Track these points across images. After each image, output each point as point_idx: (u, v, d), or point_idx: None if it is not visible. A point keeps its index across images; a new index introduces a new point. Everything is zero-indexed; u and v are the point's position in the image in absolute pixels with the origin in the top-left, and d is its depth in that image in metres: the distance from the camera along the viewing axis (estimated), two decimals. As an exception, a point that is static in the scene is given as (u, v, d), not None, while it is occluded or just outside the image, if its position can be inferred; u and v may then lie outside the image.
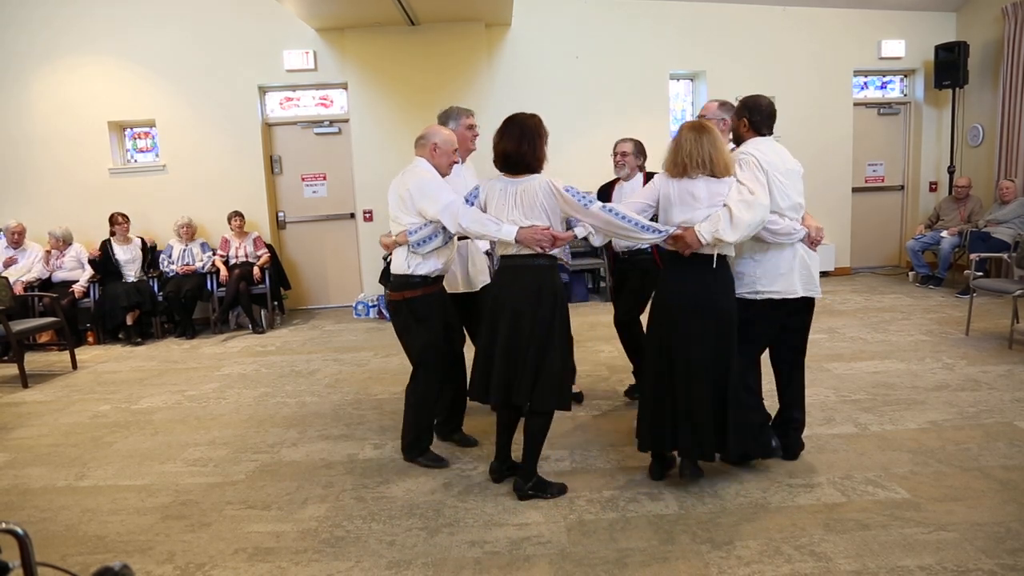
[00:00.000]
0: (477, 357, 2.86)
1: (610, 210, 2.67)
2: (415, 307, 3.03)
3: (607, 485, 2.92)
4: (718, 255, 2.69)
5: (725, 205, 2.64)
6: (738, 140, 3.00)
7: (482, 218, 2.75)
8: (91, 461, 3.48)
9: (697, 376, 2.70)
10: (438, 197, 2.90)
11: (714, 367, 2.72)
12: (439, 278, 3.11)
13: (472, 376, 2.89)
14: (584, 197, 2.69)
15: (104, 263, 6.43)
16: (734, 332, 2.76)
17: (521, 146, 2.68)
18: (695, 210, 2.67)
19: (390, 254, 3.24)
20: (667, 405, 2.76)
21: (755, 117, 2.92)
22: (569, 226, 2.93)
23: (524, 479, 2.81)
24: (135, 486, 3.16)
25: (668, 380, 2.75)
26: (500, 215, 2.72)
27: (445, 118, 3.47)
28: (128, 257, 6.50)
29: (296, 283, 7.32)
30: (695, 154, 2.65)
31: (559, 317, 2.73)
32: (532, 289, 2.70)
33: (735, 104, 3.11)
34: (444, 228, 2.91)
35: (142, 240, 6.69)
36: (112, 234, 6.50)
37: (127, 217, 6.53)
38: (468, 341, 3.47)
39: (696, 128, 2.71)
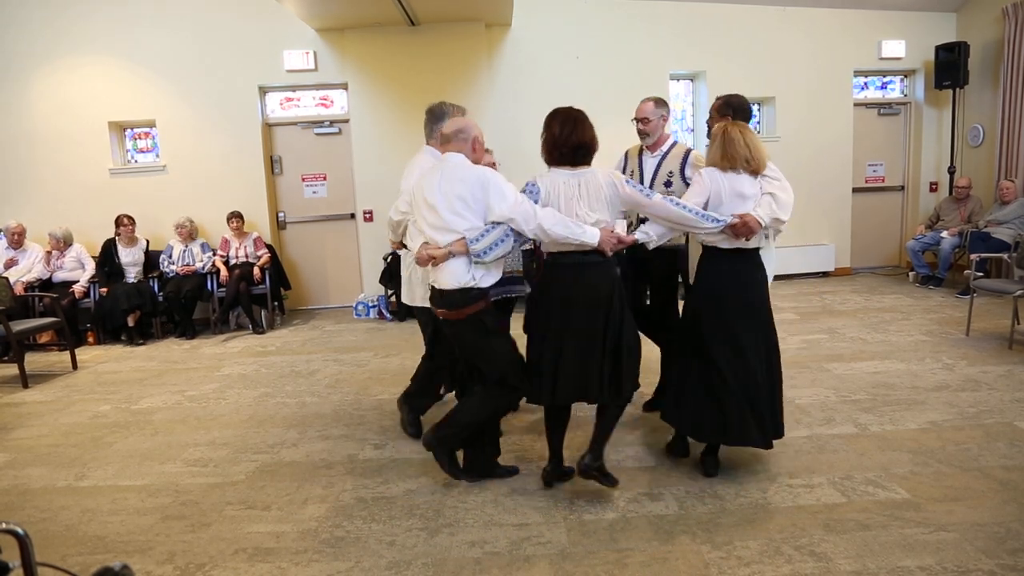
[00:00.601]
0: (540, 361, 2.72)
1: (672, 201, 2.74)
2: (485, 321, 2.73)
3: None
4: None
5: (769, 193, 2.85)
6: None
7: (564, 220, 2.60)
8: (91, 461, 3.48)
9: (759, 360, 2.84)
10: (506, 193, 2.63)
11: (767, 350, 2.89)
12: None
13: (534, 380, 2.76)
14: (644, 189, 2.75)
15: (107, 263, 6.44)
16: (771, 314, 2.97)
17: (590, 137, 2.70)
18: (745, 202, 2.81)
19: (391, 254, 3.21)
20: (720, 395, 2.83)
21: (739, 116, 3.09)
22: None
23: (595, 458, 2.75)
24: (135, 486, 3.16)
25: (724, 369, 2.82)
26: (569, 210, 2.64)
27: (440, 114, 3.22)
28: (131, 259, 6.51)
29: (296, 283, 7.32)
30: (745, 150, 2.81)
31: (626, 309, 2.74)
32: (604, 285, 2.68)
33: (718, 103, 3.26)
34: (511, 231, 2.63)
35: (147, 242, 6.70)
36: (117, 235, 6.51)
37: (133, 219, 6.53)
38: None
39: (741, 127, 2.88)
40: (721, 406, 2.82)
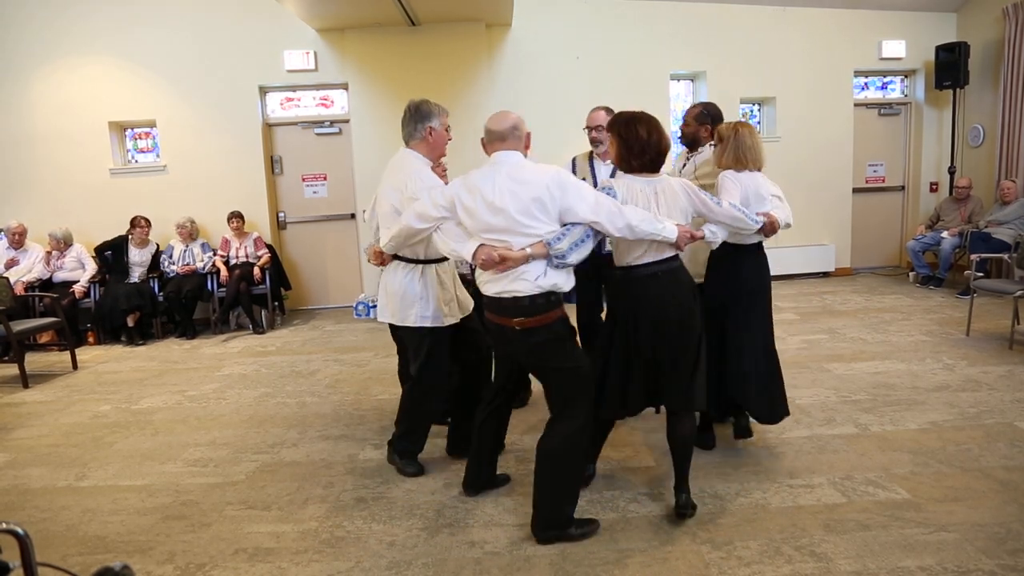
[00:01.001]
0: (610, 372, 2.63)
1: (734, 206, 2.77)
2: (562, 326, 2.49)
3: (607, 485, 2.92)
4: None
5: (775, 196, 3.01)
6: (696, 144, 3.35)
7: (647, 215, 2.46)
8: (91, 461, 3.49)
9: (763, 347, 3.02)
10: (585, 193, 2.42)
11: (768, 337, 3.09)
12: None
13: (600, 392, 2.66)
14: (712, 196, 2.74)
15: (114, 255, 6.44)
16: None
17: (669, 142, 2.67)
18: (764, 198, 2.93)
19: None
20: (734, 379, 3.00)
21: (716, 125, 3.23)
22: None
23: (688, 492, 2.63)
24: (135, 486, 3.16)
25: (735, 355, 3.00)
26: None
27: (427, 112, 2.93)
28: (139, 260, 6.53)
29: (296, 283, 7.33)
30: (753, 152, 2.92)
31: (701, 314, 2.70)
32: (688, 291, 2.62)
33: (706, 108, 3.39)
34: (592, 231, 2.44)
35: (157, 245, 6.71)
36: (130, 234, 6.51)
37: (149, 221, 6.57)
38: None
39: (747, 127, 2.97)
40: (727, 381, 3.02)
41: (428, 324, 2.95)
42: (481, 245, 2.43)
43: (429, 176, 2.86)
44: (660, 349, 2.55)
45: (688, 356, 2.57)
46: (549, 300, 2.41)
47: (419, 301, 2.93)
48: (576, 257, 2.41)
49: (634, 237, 2.47)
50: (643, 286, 2.56)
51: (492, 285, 2.45)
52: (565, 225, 2.42)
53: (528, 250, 2.37)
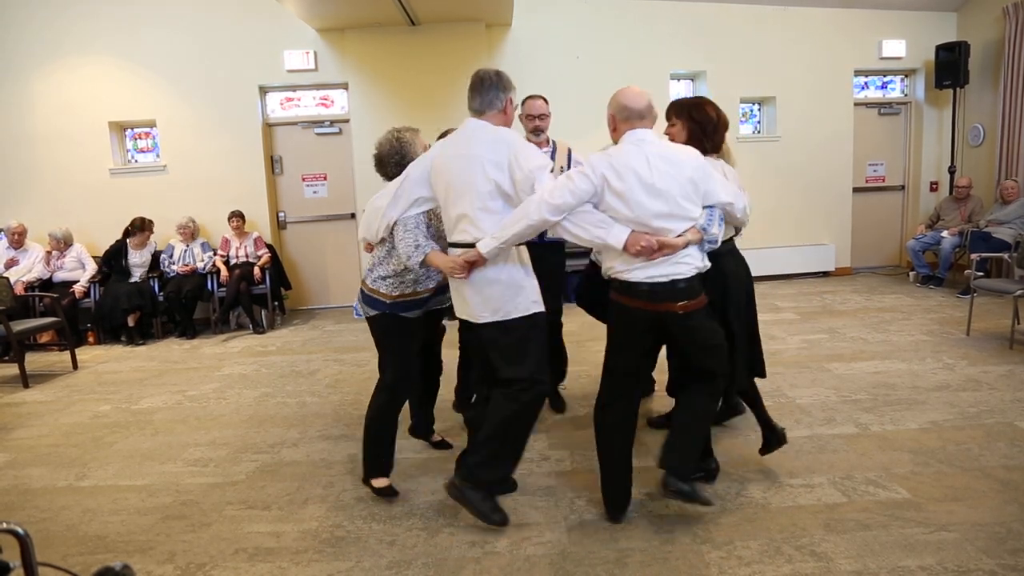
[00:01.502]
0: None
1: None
2: (710, 305, 2.53)
3: (607, 485, 2.92)
4: None
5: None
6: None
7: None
8: (91, 461, 3.49)
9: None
10: (716, 174, 2.42)
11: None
12: None
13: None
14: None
15: (115, 260, 6.44)
16: None
17: None
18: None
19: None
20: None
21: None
22: None
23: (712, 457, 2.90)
24: (136, 486, 3.16)
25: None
26: None
27: (509, 84, 2.58)
28: (140, 261, 6.53)
29: (296, 283, 7.33)
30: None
31: None
32: (747, 268, 2.81)
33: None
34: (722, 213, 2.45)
35: (155, 245, 6.71)
36: (130, 234, 6.51)
37: (153, 225, 6.59)
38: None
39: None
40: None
41: (539, 308, 2.56)
42: (634, 232, 2.31)
43: (537, 151, 2.48)
44: (739, 321, 2.69)
45: (749, 327, 2.74)
46: (703, 282, 2.45)
47: (526, 284, 2.54)
48: (722, 239, 2.46)
49: (742, 218, 2.53)
50: (727, 262, 2.69)
51: (644, 270, 2.35)
52: (705, 208, 2.40)
53: (688, 235, 2.33)
